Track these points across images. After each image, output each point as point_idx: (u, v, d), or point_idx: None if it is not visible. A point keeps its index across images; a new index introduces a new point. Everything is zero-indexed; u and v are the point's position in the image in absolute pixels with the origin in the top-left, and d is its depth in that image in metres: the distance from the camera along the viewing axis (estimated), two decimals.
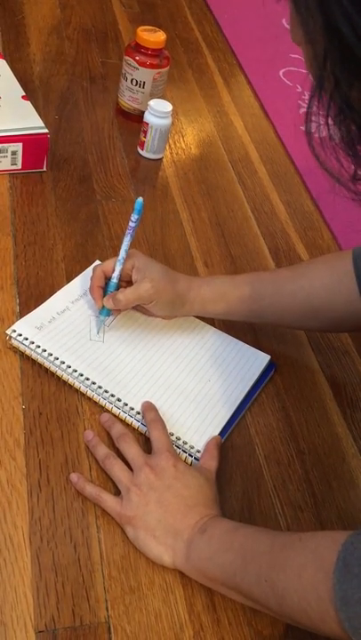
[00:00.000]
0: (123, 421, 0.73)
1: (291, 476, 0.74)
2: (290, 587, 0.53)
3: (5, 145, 0.95)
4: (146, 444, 0.71)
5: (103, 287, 0.80)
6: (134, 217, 0.77)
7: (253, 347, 0.84)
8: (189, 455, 0.71)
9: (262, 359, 0.83)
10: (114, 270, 0.78)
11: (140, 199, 0.76)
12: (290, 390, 0.83)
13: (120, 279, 0.79)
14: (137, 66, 1.10)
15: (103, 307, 0.79)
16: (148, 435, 0.71)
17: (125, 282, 0.80)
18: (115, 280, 0.79)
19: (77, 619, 0.58)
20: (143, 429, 0.72)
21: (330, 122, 0.47)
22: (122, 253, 0.78)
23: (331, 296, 0.76)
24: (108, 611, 0.59)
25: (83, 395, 0.74)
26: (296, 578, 0.53)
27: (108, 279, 0.80)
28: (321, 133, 0.48)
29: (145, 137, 1.08)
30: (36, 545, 0.62)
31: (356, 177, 0.49)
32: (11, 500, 0.64)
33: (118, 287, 0.79)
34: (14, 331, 0.76)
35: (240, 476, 0.72)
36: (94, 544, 0.63)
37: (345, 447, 0.78)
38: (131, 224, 0.77)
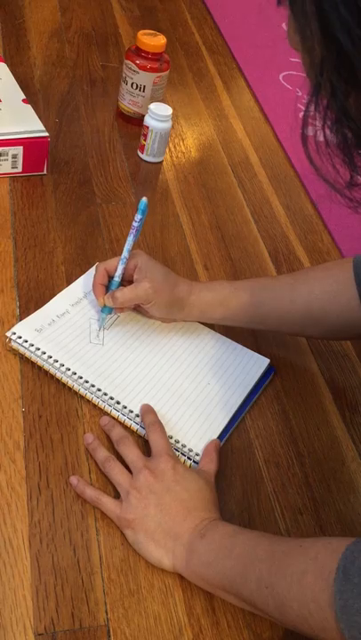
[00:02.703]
0: (122, 424, 0.73)
1: (290, 480, 0.74)
2: (290, 594, 0.53)
3: (6, 148, 0.95)
4: (146, 446, 0.71)
5: (106, 285, 0.80)
6: (138, 217, 0.77)
7: (253, 350, 0.84)
8: (188, 458, 0.71)
9: (261, 363, 0.83)
10: (116, 269, 0.79)
11: (145, 199, 0.76)
12: (290, 393, 0.83)
13: (122, 278, 0.79)
14: (137, 69, 1.10)
15: (104, 304, 0.79)
16: (146, 437, 0.71)
17: (128, 282, 0.81)
18: (117, 279, 0.79)
19: (77, 621, 0.58)
20: (142, 432, 0.72)
21: (326, 128, 0.47)
22: (124, 253, 0.78)
23: (331, 303, 0.76)
24: (107, 614, 0.59)
25: (82, 397, 0.74)
26: (296, 585, 0.52)
27: (110, 278, 0.80)
28: (318, 139, 0.48)
29: (145, 140, 1.08)
30: (36, 548, 0.62)
31: (352, 183, 0.49)
32: (10, 502, 0.64)
33: (120, 286, 0.80)
34: (14, 333, 0.76)
35: (240, 479, 0.72)
36: (94, 547, 0.63)
37: (345, 450, 0.78)
38: (134, 224, 0.77)
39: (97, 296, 0.80)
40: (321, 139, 0.48)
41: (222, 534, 0.61)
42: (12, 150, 0.96)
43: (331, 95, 0.45)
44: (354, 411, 0.83)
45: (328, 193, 0.49)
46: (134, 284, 0.78)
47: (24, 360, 0.76)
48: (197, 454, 0.71)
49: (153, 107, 1.05)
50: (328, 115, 0.46)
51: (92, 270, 0.88)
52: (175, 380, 0.78)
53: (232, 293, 0.80)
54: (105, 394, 0.74)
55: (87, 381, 0.74)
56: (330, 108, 0.46)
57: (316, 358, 0.88)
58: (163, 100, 1.14)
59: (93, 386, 0.74)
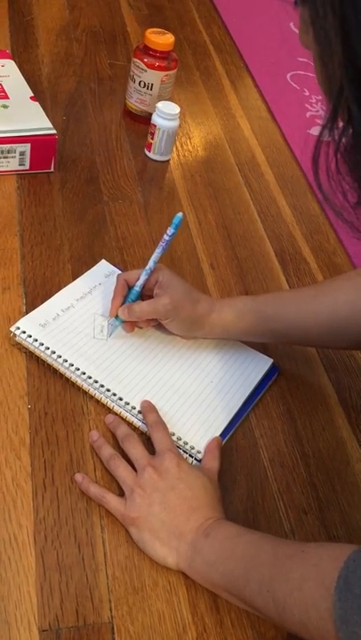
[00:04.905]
0: (125, 420, 0.73)
1: (295, 479, 0.74)
2: (291, 599, 0.53)
3: (14, 145, 0.95)
4: (150, 443, 0.71)
5: (125, 297, 0.79)
6: (170, 231, 0.75)
7: (258, 350, 0.84)
8: (190, 456, 0.71)
9: (265, 362, 0.83)
10: (138, 279, 0.78)
11: (180, 214, 0.75)
12: (295, 393, 0.83)
13: (142, 289, 0.78)
14: (145, 68, 1.10)
15: (116, 316, 0.79)
16: (149, 435, 0.71)
17: (147, 296, 0.79)
18: (137, 288, 0.78)
19: (81, 618, 0.59)
20: (144, 428, 0.72)
21: (339, 153, 0.46)
22: (150, 264, 0.77)
23: (355, 312, 0.74)
24: (111, 611, 0.60)
25: (88, 395, 0.74)
26: (297, 591, 0.52)
27: (130, 288, 0.79)
28: (329, 164, 0.47)
29: (152, 139, 1.08)
30: (41, 544, 0.62)
31: (359, 202, 0.48)
32: (16, 499, 0.64)
33: (140, 296, 0.79)
34: (18, 328, 0.76)
35: (244, 479, 0.72)
36: (98, 544, 0.63)
37: (350, 451, 0.78)
38: (165, 237, 0.76)
39: (113, 307, 0.78)
40: (331, 163, 0.47)
41: (226, 535, 0.61)
42: (19, 147, 0.96)
43: (347, 122, 0.44)
44: (359, 411, 0.83)
45: (335, 220, 0.48)
46: (154, 298, 0.77)
47: (30, 357, 0.76)
48: (199, 452, 0.72)
49: (160, 105, 1.05)
50: (342, 139, 0.45)
51: (98, 265, 0.88)
52: (178, 378, 0.78)
53: (254, 309, 0.78)
54: (108, 390, 0.74)
55: (90, 377, 0.74)
56: (345, 134, 0.45)
57: (322, 358, 0.88)
58: (170, 99, 1.14)
59: (96, 382, 0.74)
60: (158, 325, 0.81)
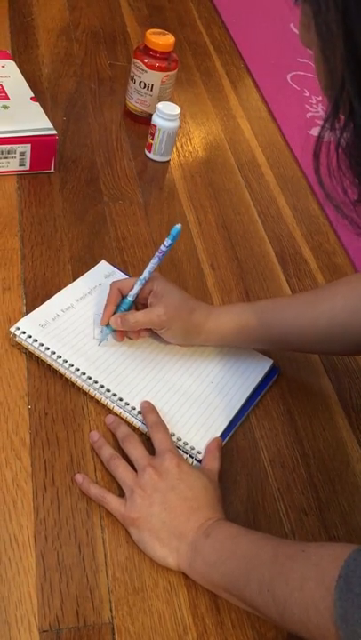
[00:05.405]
0: (125, 421, 0.73)
1: (295, 480, 0.74)
2: (291, 599, 0.53)
3: (14, 146, 0.95)
4: (150, 444, 0.71)
5: (117, 305, 0.78)
6: (167, 242, 0.75)
7: (257, 350, 0.84)
8: (190, 456, 0.71)
9: (265, 363, 0.83)
10: (132, 288, 0.77)
11: (179, 226, 0.74)
12: (295, 394, 0.83)
13: (136, 299, 0.78)
14: (145, 68, 1.10)
15: (107, 324, 0.78)
16: (149, 436, 0.71)
17: (141, 304, 0.79)
18: (130, 298, 0.77)
19: (81, 619, 0.58)
20: (145, 429, 0.72)
21: (339, 147, 0.46)
22: (145, 274, 0.76)
23: (353, 318, 0.73)
24: (112, 611, 0.59)
25: (88, 395, 0.74)
26: (298, 590, 0.52)
27: (123, 297, 0.78)
28: (330, 160, 0.47)
29: (153, 139, 1.08)
30: (41, 545, 0.62)
31: (359, 200, 0.48)
32: (16, 499, 0.64)
33: (133, 306, 0.78)
34: (18, 328, 0.76)
35: (245, 479, 0.72)
36: (99, 545, 0.63)
37: (350, 451, 0.78)
38: (162, 248, 0.75)
39: (104, 315, 0.78)
40: (333, 159, 0.47)
41: (226, 535, 0.61)
42: (19, 148, 0.96)
43: (348, 116, 0.44)
44: (359, 411, 0.83)
45: (335, 217, 0.48)
46: (148, 308, 0.77)
47: (30, 357, 0.76)
48: (199, 452, 0.72)
49: (161, 106, 1.05)
50: (343, 135, 0.45)
51: (98, 266, 0.88)
52: (178, 378, 0.78)
53: (252, 316, 0.77)
54: (108, 390, 0.74)
55: (90, 377, 0.74)
56: (346, 129, 0.45)
57: (322, 358, 0.88)
58: (170, 100, 1.14)
59: (96, 382, 0.74)
60: (153, 334, 0.80)
